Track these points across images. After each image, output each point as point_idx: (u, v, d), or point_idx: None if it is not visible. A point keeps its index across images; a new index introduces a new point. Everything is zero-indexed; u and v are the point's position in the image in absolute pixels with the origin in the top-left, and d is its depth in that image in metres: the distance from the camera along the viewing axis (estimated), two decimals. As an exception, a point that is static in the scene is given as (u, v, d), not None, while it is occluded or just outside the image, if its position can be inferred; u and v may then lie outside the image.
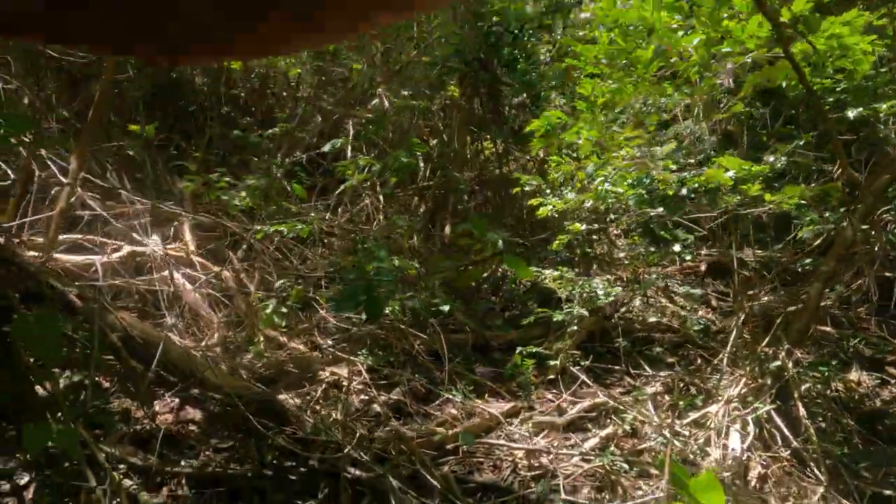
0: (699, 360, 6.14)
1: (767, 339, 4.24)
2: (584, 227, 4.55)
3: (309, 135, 8.33)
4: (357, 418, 4.31)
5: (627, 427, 3.94)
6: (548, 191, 4.43)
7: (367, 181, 6.19)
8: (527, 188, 4.57)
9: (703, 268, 8.98)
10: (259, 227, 4.91)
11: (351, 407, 4.52)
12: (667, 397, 4.79)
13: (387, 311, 4.91)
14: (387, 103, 7.94)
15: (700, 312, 7.83)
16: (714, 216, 5.63)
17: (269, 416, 3.25)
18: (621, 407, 4.08)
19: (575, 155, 4.69)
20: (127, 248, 5.50)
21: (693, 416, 3.92)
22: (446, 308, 4.90)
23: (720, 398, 3.97)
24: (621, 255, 6.87)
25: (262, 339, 5.16)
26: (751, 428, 3.47)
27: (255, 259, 5.89)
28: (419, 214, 7.97)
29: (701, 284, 8.84)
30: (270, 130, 7.63)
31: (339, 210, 7.85)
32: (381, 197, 7.80)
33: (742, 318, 4.54)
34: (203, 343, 5.25)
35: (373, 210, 7.98)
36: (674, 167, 4.14)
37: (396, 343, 5.16)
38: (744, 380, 3.96)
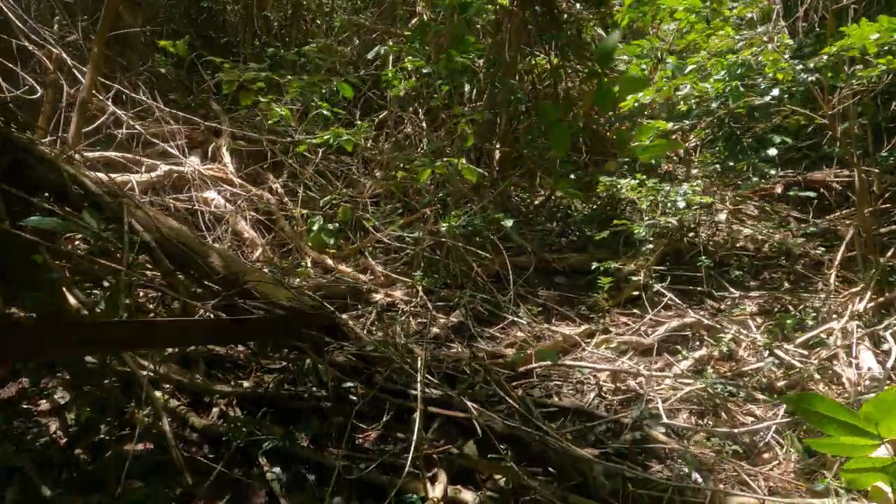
0: (787, 284, 5.54)
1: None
2: (668, 125, 3.90)
3: (349, 54, 7.74)
4: (416, 341, 3.93)
5: (724, 348, 3.45)
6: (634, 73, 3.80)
7: (414, 97, 5.63)
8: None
9: (778, 189, 8.22)
10: (302, 139, 4.46)
11: (409, 329, 4.15)
12: (761, 319, 4.26)
13: (442, 228, 4.46)
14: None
15: (777, 237, 7.16)
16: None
17: (325, 332, 2.87)
18: (717, 325, 3.57)
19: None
20: (164, 167, 5.16)
21: (803, 336, 3.39)
22: (509, 223, 4.41)
23: (836, 316, 3.42)
24: (695, 171, 6.19)
25: (308, 261, 4.80)
26: (891, 345, 2.93)
27: (298, 180, 5.49)
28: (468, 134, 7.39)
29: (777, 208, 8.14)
30: (308, 47, 7.08)
31: (384, 134, 7.35)
32: (423, 123, 7.25)
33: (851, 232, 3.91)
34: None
35: (416, 135, 7.45)
36: (790, 42, 3.45)
37: (453, 264, 4.73)
38: (868, 294, 3.38)
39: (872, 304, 3.36)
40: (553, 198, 7.36)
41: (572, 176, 7.07)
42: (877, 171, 4.71)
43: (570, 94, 7.95)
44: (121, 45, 6.57)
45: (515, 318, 4.23)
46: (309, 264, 4.80)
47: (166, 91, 6.51)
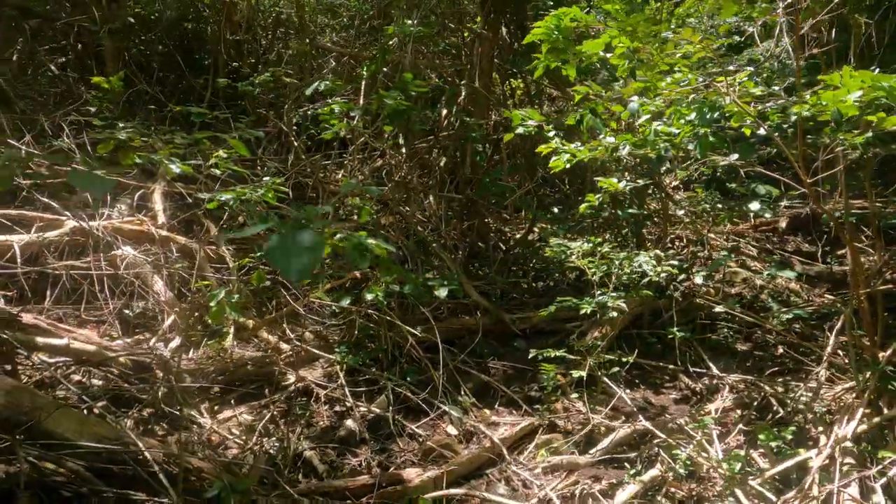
0: (780, 349, 4.81)
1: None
2: (623, 182, 3.22)
3: (297, 86, 7.17)
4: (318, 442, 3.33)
5: (681, 470, 2.78)
6: (553, 132, 3.15)
7: (355, 131, 5.05)
8: (520, 130, 3.27)
9: (783, 224, 7.44)
10: (213, 195, 3.90)
11: (318, 424, 3.55)
12: (736, 414, 3.56)
13: (369, 297, 3.85)
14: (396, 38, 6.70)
15: (780, 280, 6.40)
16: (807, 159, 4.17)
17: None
18: (672, 442, 2.90)
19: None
20: (70, 224, 4.64)
21: (777, 468, 2.70)
22: (443, 293, 3.79)
23: (821, 432, 2.73)
24: (680, 212, 5.49)
25: (230, 329, 4.24)
26: (879, 497, 2.23)
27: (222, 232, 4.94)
28: (437, 169, 6.80)
29: (780, 244, 7.37)
30: (260, 77, 6.55)
31: (352, 168, 6.79)
32: (393, 150, 6.68)
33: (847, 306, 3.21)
34: (158, 334, 4.39)
35: (393, 166, 6.88)
36: (756, 91, 2.78)
37: (384, 337, 4.11)
38: (860, 410, 2.67)
39: (865, 424, 2.66)
40: (533, 232, 6.72)
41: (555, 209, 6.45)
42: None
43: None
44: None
45: (447, 409, 3.60)
46: (231, 333, 4.25)
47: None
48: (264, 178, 3.87)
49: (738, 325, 5.03)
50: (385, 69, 6.15)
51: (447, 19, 6.68)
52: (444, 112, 7.46)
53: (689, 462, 2.81)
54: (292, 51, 6.78)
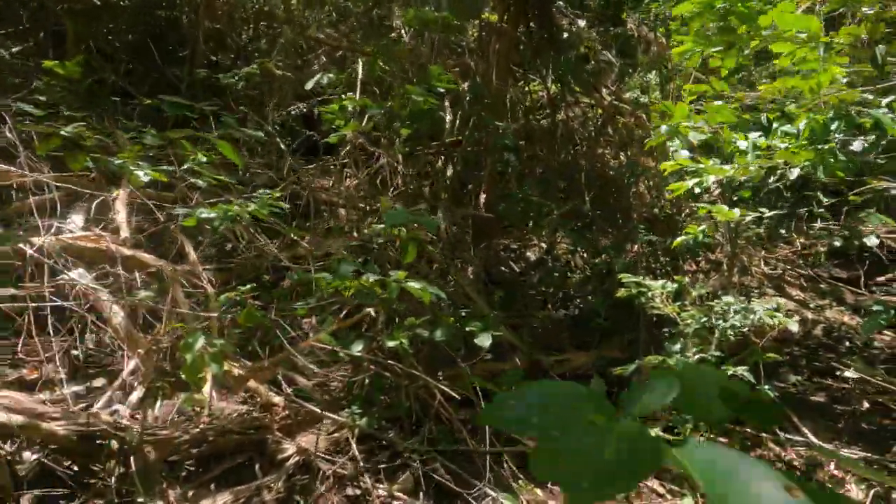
0: (866, 406, 4.11)
1: None
2: (745, 216, 2.41)
3: (292, 80, 6.33)
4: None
5: None
6: (677, 148, 2.41)
7: (368, 133, 4.23)
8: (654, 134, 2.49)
9: (821, 248, 6.83)
10: (190, 209, 3.03)
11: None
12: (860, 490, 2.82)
13: (391, 345, 3.02)
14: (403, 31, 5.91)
15: (828, 313, 5.74)
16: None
17: None
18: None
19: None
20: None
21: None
22: (486, 341, 2.98)
23: None
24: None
25: (205, 379, 3.36)
26: None
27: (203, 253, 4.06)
28: (445, 179, 6.00)
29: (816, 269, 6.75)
30: (246, 69, 5.70)
31: (346, 175, 5.96)
32: (398, 157, 5.87)
33: None
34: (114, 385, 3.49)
35: (389, 173, 6.05)
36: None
37: (405, 392, 3.29)
38: None
39: None
40: (552, 253, 5.97)
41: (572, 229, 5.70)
42: None
43: (570, 128, 6.58)
44: None
45: (495, 496, 2.78)
46: (209, 382, 3.37)
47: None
48: (260, 190, 3.01)
49: (807, 370, 4.35)
50: (385, 66, 5.34)
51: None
52: (450, 118, 6.70)
53: None
54: (283, 40, 5.90)
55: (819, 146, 2.47)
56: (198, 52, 6.83)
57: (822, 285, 5.92)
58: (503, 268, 5.43)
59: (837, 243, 4.48)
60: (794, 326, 3.05)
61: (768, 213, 3.34)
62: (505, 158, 4.50)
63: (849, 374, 3.52)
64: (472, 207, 5.78)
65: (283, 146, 5.80)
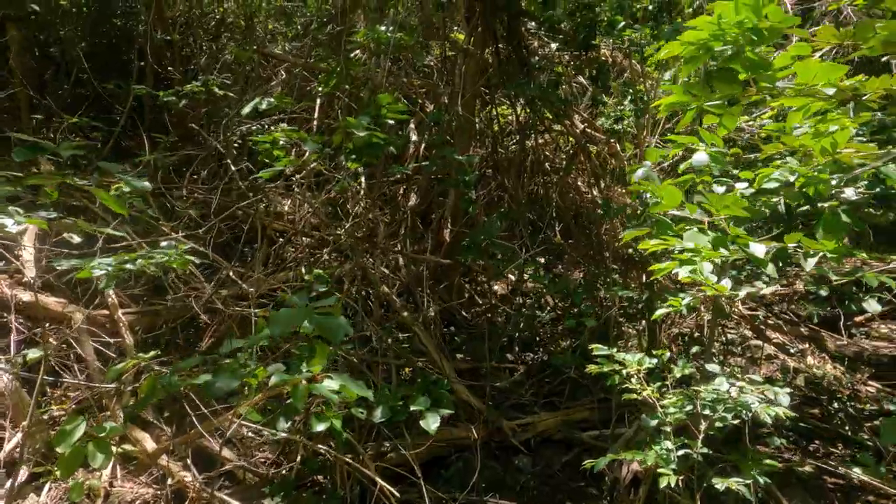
0: (861, 477, 3.72)
1: None
2: (727, 280, 1.97)
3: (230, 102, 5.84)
4: None
5: None
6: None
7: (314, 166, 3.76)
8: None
9: (799, 286, 6.54)
10: (76, 264, 2.51)
11: None
12: None
13: (319, 428, 2.54)
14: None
15: (811, 359, 5.41)
16: None
17: None
18: None
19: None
20: None
21: None
22: (434, 424, 2.51)
23: None
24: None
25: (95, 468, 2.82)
26: None
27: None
28: (404, 210, 5.55)
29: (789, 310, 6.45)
30: (189, 86, 5.20)
31: (298, 202, 5.48)
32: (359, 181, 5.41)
33: None
34: None
35: (349, 199, 5.59)
36: None
37: (341, 470, 2.80)
38: None
39: None
40: (520, 290, 5.56)
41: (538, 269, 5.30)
42: None
43: (540, 157, 6.20)
44: None
45: None
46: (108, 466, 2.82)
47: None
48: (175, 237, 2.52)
49: (793, 433, 3.98)
50: (347, 86, 4.90)
51: (427, 27, 5.50)
52: (415, 139, 6.27)
53: None
54: (231, 56, 5.41)
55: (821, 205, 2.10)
56: (147, 65, 6.29)
57: (802, 329, 5.60)
58: (464, 311, 4.98)
59: (824, 293, 4.13)
60: (785, 400, 2.65)
61: (765, 290, 2.95)
62: (466, 196, 4.06)
63: (854, 472, 3.12)
64: (434, 239, 5.35)
65: (233, 167, 5.30)
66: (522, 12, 5.31)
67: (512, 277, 5.80)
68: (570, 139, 6.06)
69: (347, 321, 1.80)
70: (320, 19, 5.53)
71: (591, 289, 4.46)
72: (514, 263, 4.65)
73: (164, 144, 4.97)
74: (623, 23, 3.90)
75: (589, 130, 6.00)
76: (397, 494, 2.73)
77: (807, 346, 5.43)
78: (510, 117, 6.25)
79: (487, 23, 5.42)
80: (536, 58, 5.66)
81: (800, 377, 4.94)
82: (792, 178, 2.12)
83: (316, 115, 5.90)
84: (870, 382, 4.96)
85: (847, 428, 4.20)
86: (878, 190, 2.68)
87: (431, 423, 2.51)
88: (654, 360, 2.50)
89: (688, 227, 1.52)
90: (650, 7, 4.76)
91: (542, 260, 5.44)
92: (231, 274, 4.39)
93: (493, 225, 3.99)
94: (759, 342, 5.40)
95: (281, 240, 5.58)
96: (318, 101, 5.92)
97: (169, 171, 5.32)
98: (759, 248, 1.47)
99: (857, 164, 1.88)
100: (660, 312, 2.19)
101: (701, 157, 2.43)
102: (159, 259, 2.65)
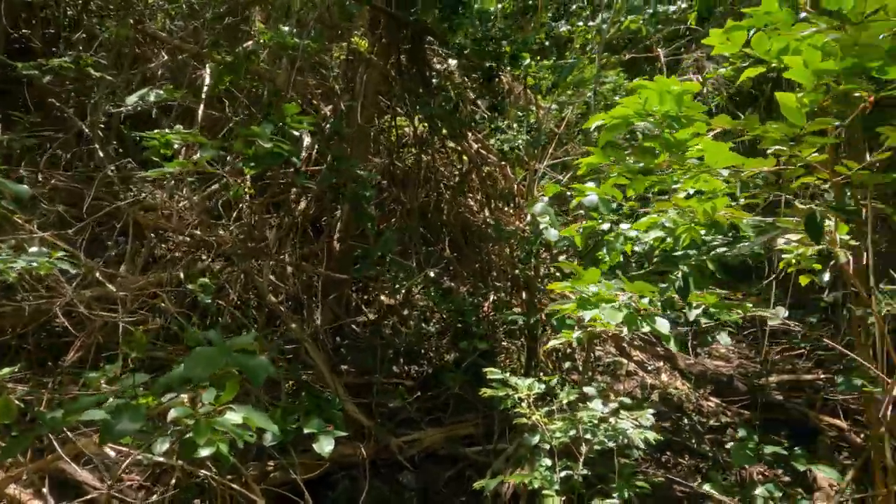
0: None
1: None
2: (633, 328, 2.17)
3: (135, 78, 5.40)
4: None
5: None
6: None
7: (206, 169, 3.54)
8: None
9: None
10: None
11: None
12: None
13: (204, 453, 2.40)
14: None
15: (664, 377, 6.02)
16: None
17: None
18: None
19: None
20: None
21: None
22: (328, 447, 2.48)
23: None
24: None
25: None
26: None
27: None
28: (296, 215, 5.38)
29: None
30: (57, 60, 4.67)
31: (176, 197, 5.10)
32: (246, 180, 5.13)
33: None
34: None
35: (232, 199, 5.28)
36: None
37: (223, 495, 2.67)
38: None
39: None
40: (408, 302, 5.60)
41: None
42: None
43: (434, 171, 6.32)
44: None
45: None
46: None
47: None
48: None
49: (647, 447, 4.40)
50: (244, 83, 4.66)
51: (329, 30, 5.37)
52: (308, 141, 6.11)
53: None
54: (108, 34, 4.93)
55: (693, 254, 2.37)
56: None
57: (658, 349, 6.21)
58: (352, 323, 4.94)
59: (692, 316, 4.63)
60: (650, 422, 2.96)
61: (664, 331, 3.25)
62: (365, 212, 4.04)
63: (705, 489, 3.52)
64: (325, 247, 5.24)
65: (101, 154, 4.82)
66: (427, 30, 5.38)
67: (402, 289, 5.84)
68: (465, 157, 6.23)
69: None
70: (216, 8, 5.19)
71: (479, 307, 4.62)
72: (411, 281, 4.70)
73: (23, 124, 4.41)
74: (528, 60, 4.12)
75: (482, 151, 6.21)
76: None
77: (661, 364, 6.04)
78: (408, 129, 6.30)
79: (392, 35, 5.44)
80: (437, 78, 5.76)
81: (655, 393, 5.48)
82: (673, 227, 2.39)
83: (200, 112, 5.50)
84: (710, 398, 5.62)
85: (693, 441, 4.74)
86: (730, 235, 3.06)
87: (325, 446, 2.47)
88: (543, 386, 2.68)
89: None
90: (546, 43, 5.06)
91: (432, 274, 5.54)
92: (98, 274, 3.99)
93: (390, 240, 4.01)
94: (622, 359, 5.92)
95: (152, 236, 5.15)
96: (204, 93, 5.54)
97: (24, 154, 4.72)
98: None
99: (728, 223, 2.16)
100: (552, 344, 2.35)
101: (592, 198, 2.66)
102: (22, 265, 2.36)
